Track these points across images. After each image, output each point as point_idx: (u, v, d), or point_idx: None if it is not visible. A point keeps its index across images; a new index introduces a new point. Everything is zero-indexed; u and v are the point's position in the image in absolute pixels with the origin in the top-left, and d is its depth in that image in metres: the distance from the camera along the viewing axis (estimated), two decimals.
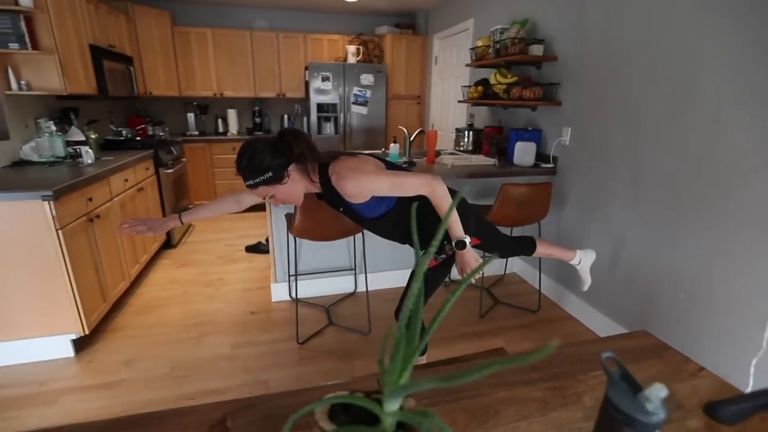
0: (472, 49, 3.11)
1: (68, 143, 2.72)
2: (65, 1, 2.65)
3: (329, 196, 1.40)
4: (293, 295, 2.70)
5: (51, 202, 1.85)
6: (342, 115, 4.52)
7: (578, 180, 2.48)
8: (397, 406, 0.47)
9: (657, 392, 0.48)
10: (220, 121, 4.67)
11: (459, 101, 3.44)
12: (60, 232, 1.91)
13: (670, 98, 1.84)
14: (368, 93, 4.52)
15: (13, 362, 2.03)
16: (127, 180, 2.72)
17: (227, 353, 2.14)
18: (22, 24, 2.39)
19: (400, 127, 2.98)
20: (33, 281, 1.94)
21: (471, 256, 1.44)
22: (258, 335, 2.30)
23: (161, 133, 4.02)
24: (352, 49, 4.49)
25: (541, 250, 1.98)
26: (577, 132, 2.45)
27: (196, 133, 4.55)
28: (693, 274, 1.79)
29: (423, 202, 1.44)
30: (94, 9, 3.08)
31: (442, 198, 1.36)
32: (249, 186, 1.28)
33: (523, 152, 2.66)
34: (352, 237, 2.63)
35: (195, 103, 4.56)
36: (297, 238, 2.14)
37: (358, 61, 4.55)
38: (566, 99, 2.52)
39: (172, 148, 3.72)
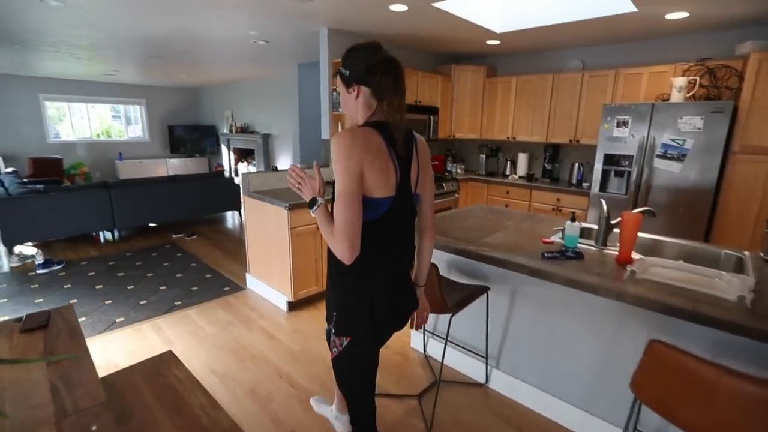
0: None
1: None
2: None
3: None
4: (427, 351, 2.63)
5: (288, 211, 2.92)
6: (636, 170, 3.40)
7: None
8: None
9: None
10: (509, 163, 4.76)
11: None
12: (290, 231, 2.97)
13: None
14: (688, 143, 3.12)
15: (262, 294, 3.42)
16: None
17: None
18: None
19: (601, 200, 1.97)
20: (279, 255, 3.13)
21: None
22: None
23: (454, 170, 4.81)
24: (679, 82, 3.22)
25: None
26: None
27: (483, 172, 4.90)
28: None
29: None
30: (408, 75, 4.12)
31: (330, 241, 1.17)
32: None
33: None
34: (485, 315, 2.21)
35: (488, 146, 4.90)
36: None
37: (687, 99, 3.22)
38: None
39: (443, 184, 4.33)
